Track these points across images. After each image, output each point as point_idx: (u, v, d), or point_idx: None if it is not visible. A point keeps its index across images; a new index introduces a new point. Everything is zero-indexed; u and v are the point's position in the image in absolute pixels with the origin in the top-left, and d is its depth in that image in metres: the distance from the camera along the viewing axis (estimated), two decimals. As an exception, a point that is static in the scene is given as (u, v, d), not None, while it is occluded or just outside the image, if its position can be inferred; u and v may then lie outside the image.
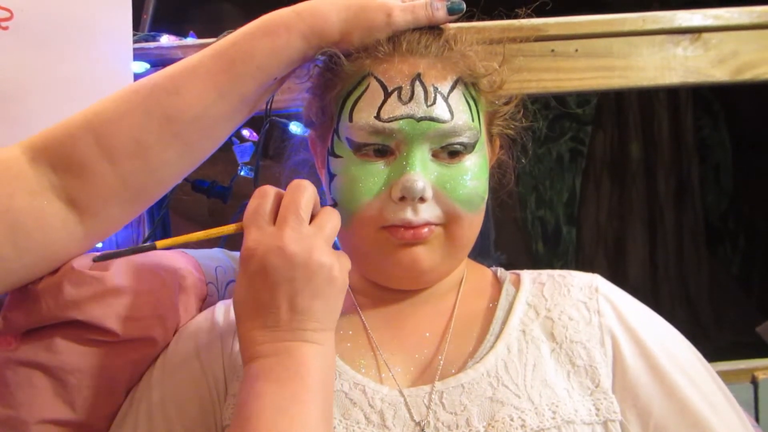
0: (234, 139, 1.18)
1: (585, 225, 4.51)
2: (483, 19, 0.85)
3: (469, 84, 0.77)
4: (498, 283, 0.84)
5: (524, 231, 4.52)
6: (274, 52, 0.75)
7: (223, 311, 0.82)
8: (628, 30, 1.10)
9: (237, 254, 0.97)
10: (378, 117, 0.73)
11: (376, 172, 0.74)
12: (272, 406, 0.62)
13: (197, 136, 0.77)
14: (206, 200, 1.27)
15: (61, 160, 0.74)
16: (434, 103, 0.73)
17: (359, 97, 0.74)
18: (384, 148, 0.74)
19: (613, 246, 4.41)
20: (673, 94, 4.23)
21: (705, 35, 1.11)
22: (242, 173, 1.21)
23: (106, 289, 0.76)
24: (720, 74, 1.12)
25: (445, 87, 0.74)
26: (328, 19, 0.75)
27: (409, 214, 0.73)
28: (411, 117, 0.72)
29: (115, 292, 0.77)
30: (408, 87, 0.73)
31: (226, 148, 1.23)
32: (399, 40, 0.76)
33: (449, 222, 0.75)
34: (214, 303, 0.85)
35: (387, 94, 0.73)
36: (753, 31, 1.12)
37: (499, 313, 0.79)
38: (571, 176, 4.65)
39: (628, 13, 1.10)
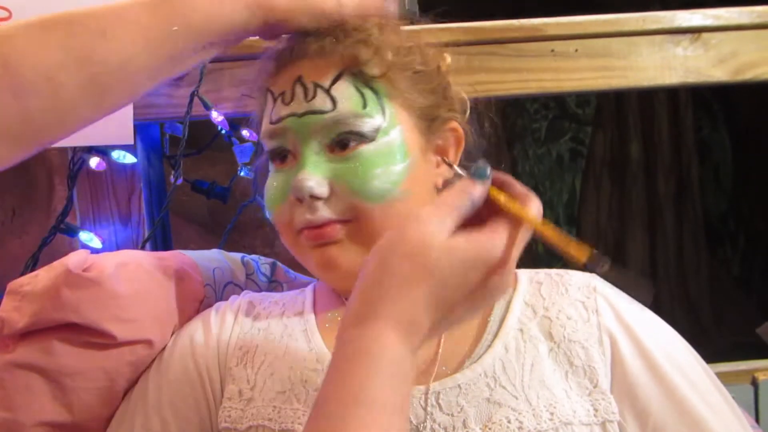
0: (234, 139, 1.18)
1: (585, 225, 4.51)
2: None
3: (366, 75, 0.75)
4: (496, 283, 0.84)
5: (524, 231, 4.51)
6: (212, 16, 0.71)
7: (219, 314, 0.81)
8: (628, 30, 1.10)
9: (235, 255, 0.97)
10: (270, 121, 0.76)
11: (282, 177, 0.76)
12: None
13: (115, 85, 0.70)
14: (206, 201, 1.27)
15: None
16: (314, 97, 0.74)
17: (263, 112, 0.79)
18: (285, 152, 0.76)
19: (613, 246, 4.41)
20: (673, 94, 4.24)
21: (705, 35, 1.11)
22: (242, 174, 1.21)
23: (102, 292, 0.76)
24: (720, 74, 1.12)
25: (326, 81, 0.74)
26: None
27: (307, 215, 0.73)
28: (293, 114, 0.74)
29: (111, 294, 0.76)
30: (289, 90, 0.75)
31: (226, 148, 1.23)
32: (288, 50, 0.77)
33: (357, 217, 0.73)
34: (211, 305, 0.84)
35: (274, 100, 0.76)
36: (753, 31, 1.12)
37: (497, 313, 0.79)
38: (571, 176, 4.65)
39: (628, 13, 1.10)
